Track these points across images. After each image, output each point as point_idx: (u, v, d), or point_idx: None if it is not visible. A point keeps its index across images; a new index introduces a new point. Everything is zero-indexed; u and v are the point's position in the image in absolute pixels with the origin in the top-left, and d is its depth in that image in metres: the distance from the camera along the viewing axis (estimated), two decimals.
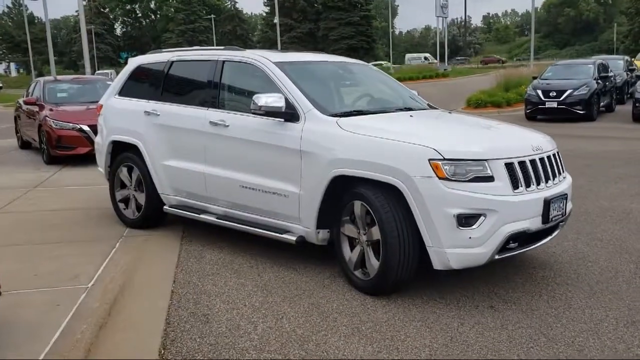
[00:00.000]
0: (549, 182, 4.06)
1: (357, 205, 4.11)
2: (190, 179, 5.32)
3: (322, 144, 4.26)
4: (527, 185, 3.88)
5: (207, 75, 5.26)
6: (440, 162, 3.69)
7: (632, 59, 25.83)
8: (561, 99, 16.19)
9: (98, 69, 60.12)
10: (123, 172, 6.00)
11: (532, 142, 4.12)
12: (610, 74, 18.36)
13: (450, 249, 3.71)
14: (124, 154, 5.97)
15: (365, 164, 3.99)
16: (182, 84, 5.63)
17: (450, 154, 3.72)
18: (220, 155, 5.02)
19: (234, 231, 5.05)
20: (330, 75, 5.39)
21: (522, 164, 3.88)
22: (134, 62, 6.18)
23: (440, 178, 3.68)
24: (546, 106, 16.39)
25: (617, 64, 21.30)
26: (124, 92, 6.12)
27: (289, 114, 4.50)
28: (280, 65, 4.84)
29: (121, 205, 6.12)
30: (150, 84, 5.88)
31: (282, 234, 4.58)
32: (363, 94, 5.30)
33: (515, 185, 3.81)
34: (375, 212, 3.94)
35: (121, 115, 5.98)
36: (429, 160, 3.71)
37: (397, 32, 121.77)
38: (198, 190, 5.28)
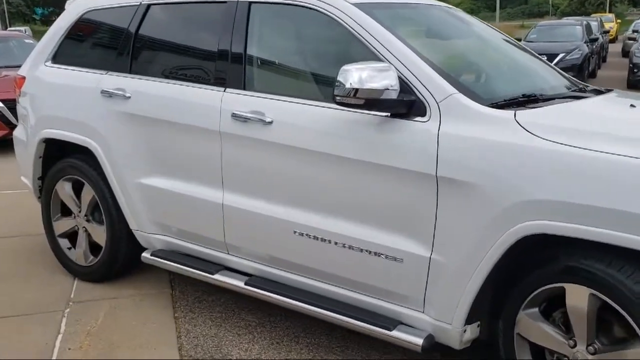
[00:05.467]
0: None
1: (576, 293, 2.07)
2: (192, 211, 3.08)
3: (493, 166, 2.16)
4: None
5: (220, 28, 2.97)
6: None
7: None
8: (553, 63, 14.60)
9: (10, 26, 54.04)
10: (65, 190, 3.65)
11: None
12: (597, 35, 17.02)
13: None
14: (66, 160, 3.60)
15: (601, 213, 1.94)
16: (170, 46, 3.30)
17: None
18: (253, 174, 2.81)
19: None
20: (447, 31, 3.22)
21: None
22: (77, 6, 3.73)
23: None
24: None
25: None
26: (61, 56, 3.70)
27: (406, 104, 2.36)
28: (367, 9, 2.64)
29: (63, 243, 3.77)
30: (109, 45, 3.51)
31: (384, 326, 2.47)
32: (496, 64, 3.16)
33: None
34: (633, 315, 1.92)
35: (59, 96, 3.57)
36: None
37: None
38: (207, 232, 3.06)
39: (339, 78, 2.29)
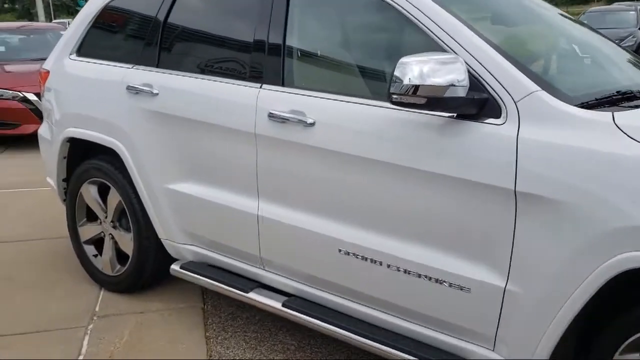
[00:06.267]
0: None
1: None
2: (224, 221, 2.76)
3: (588, 182, 1.75)
4: None
5: (256, 15, 2.62)
6: None
7: None
8: None
9: (54, 19, 54.91)
10: (90, 194, 3.38)
11: None
12: None
13: None
14: (92, 161, 3.33)
15: None
16: (201, 37, 2.97)
17: None
18: (292, 183, 2.46)
19: None
20: (515, 16, 2.79)
21: None
22: None
23: None
24: None
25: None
26: (86, 49, 3.42)
27: (476, 104, 1.96)
28: None
29: (89, 250, 3.51)
30: (136, 37, 3.20)
31: None
32: (576, 55, 2.71)
33: None
34: None
35: (83, 92, 3.30)
36: None
37: None
38: (241, 245, 2.73)
39: (396, 73, 1.91)
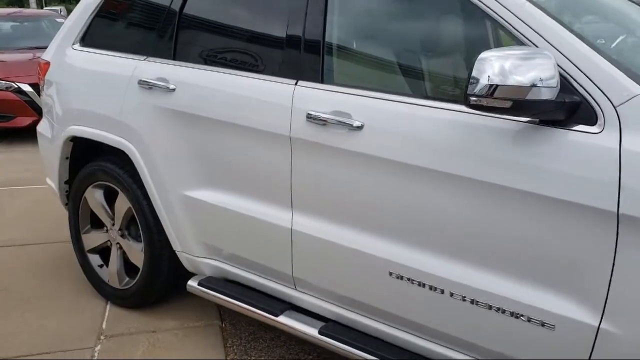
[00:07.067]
0: None
1: None
2: (251, 234, 2.44)
3: None
4: None
5: (291, 4, 2.29)
6: None
7: None
8: None
9: (46, 6, 54.03)
10: (96, 198, 3.06)
11: None
12: None
13: None
14: (98, 163, 3.00)
15: None
16: (224, 24, 2.64)
17: None
18: (334, 194, 2.14)
19: None
20: (601, 8, 2.49)
21: None
22: None
23: None
24: None
25: None
26: (92, 38, 3.08)
27: (567, 108, 1.65)
28: None
29: (94, 260, 3.19)
30: (149, 24, 2.87)
31: None
32: None
33: None
34: None
35: (88, 86, 2.96)
36: None
37: None
38: (270, 261, 2.42)
39: (475, 73, 1.60)
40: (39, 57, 3.42)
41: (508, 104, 1.58)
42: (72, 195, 3.14)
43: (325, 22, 2.19)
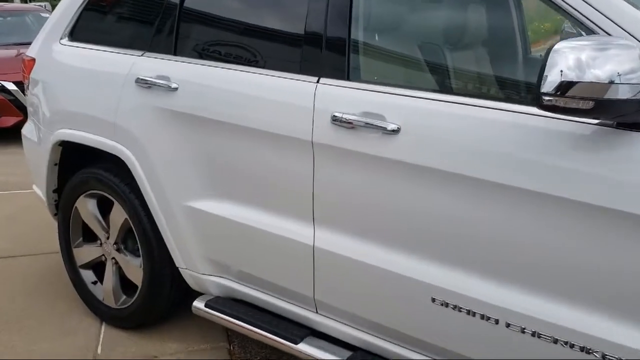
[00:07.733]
0: None
1: None
2: (266, 251, 2.17)
3: None
4: None
5: None
6: None
7: None
8: None
9: (31, 1, 53.11)
10: (88, 209, 2.77)
11: None
12: None
13: None
14: (90, 170, 2.72)
15: None
16: (233, 14, 2.35)
17: None
18: (364, 207, 1.87)
19: None
20: None
21: None
22: None
23: None
24: None
25: None
26: (81, 32, 2.79)
27: None
28: None
29: (87, 276, 2.90)
30: (146, 16, 2.58)
31: None
32: None
33: None
34: None
35: (78, 85, 2.67)
36: None
37: None
38: (288, 282, 2.15)
39: (547, 68, 1.34)
40: (22, 53, 3.12)
41: (590, 104, 1.32)
42: (62, 205, 2.86)
43: (350, 11, 1.92)
